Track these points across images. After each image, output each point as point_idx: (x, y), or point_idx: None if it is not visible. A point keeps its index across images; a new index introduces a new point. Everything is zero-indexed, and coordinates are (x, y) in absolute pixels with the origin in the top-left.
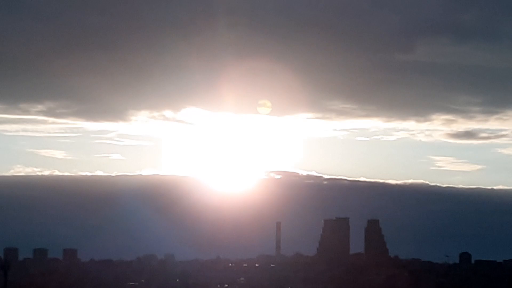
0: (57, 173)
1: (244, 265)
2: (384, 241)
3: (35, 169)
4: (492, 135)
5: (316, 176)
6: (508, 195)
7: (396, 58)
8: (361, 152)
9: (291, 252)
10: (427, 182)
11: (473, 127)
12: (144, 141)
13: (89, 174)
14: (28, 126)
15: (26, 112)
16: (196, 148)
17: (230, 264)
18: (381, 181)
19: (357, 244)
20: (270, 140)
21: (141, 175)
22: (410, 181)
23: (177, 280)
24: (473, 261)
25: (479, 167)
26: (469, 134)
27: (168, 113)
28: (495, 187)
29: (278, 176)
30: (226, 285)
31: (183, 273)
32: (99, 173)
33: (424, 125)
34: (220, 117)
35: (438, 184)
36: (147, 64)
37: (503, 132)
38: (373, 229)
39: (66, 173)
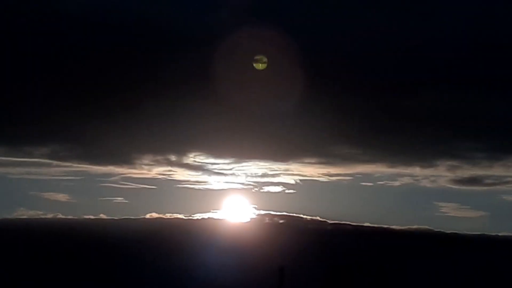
0: (60, 216)
1: None
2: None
3: (39, 212)
4: (497, 181)
5: (321, 221)
6: None
7: (400, 104)
8: (366, 197)
9: None
10: (431, 228)
11: (478, 173)
12: (147, 184)
13: (92, 217)
14: (32, 169)
15: (30, 155)
16: (200, 192)
17: None
18: (386, 226)
19: None
20: (273, 184)
21: (144, 218)
22: (414, 226)
23: None
24: None
25: (483, 213)
26: (474, 180)
27: (172, 157)
28: (499, 234)
29: (282, 221)
30: None
31: None
32: (102, 216)
33: (428, 171)
34: (224, 162)
35: (443, 230)
36: (151, 107)
37: (508, 179)
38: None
39: (69, 216)
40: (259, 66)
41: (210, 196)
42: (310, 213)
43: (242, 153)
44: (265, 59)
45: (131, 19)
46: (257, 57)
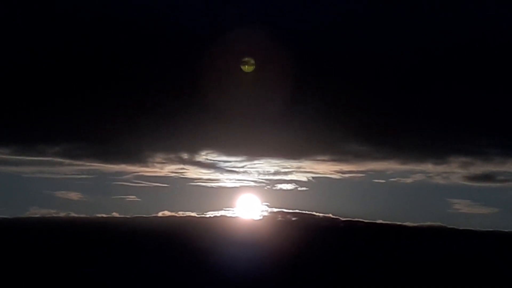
0: (73, 214)
1: None
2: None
3: (51, 211)
4: (510, 178)
5: (333, 218)
6: None
7: (413, 100)
8: (378, 194)
9: None
10: (444, 224)
11: (490, 169)
12: (160, 183)
13: (105, 215)
14: (44, 168)
15: (42, 153)
16: (212, 190)
17: None
18: (398, 223)
19: None
20: (286, 182)
21: (157, 216)
22: (427, 223)
23: None
24: None
25: (496, 209)
26: (486, 177)
27: (184, 155)
28: None
29: (294, 218)
30: None
31: None
32: (115, 214)
33: (441, 168)
34: (236, 160)
35: (455, 227)
36: (163, 106)
37: None
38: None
39: (82, 215)
40: (246, 68)
41: (222, 194)
42: (322, 211)
43: (254, 151)
44: (252, 61)
45: (146, 16)
46: (244, 59)
